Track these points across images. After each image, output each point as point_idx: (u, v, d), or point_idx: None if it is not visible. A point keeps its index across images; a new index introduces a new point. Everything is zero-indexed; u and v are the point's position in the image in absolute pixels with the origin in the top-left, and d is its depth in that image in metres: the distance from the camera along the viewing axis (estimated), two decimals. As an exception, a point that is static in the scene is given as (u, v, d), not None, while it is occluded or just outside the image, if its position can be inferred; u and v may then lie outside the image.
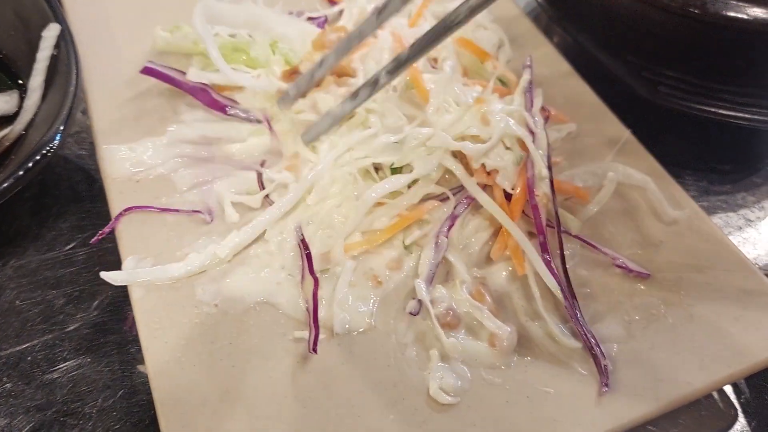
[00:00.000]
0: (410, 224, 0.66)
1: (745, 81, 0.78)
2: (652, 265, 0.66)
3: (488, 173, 0.66)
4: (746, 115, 0.78)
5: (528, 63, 0.75)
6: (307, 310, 0.59)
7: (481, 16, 0.87)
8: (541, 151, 0.67)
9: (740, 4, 0.73)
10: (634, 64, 0.83)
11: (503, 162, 0.65)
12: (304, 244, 0.62)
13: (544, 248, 0.63)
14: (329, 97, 0.71)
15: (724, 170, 0.86)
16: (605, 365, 0.57)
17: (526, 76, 0.73)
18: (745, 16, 0.72)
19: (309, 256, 0.61)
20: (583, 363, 0.58)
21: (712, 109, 0.79)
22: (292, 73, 0.73)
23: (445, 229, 0.65)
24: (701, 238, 0.68)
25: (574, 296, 0.61)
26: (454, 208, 0.66)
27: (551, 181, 0.66)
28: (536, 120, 0.69)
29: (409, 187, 0.67)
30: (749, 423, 0.63)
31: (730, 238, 0.75)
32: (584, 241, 0.66)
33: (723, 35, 0.75)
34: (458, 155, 0.67)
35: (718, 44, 0.77)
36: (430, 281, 0.62)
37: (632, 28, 0.82)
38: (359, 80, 0.73)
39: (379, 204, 0.66)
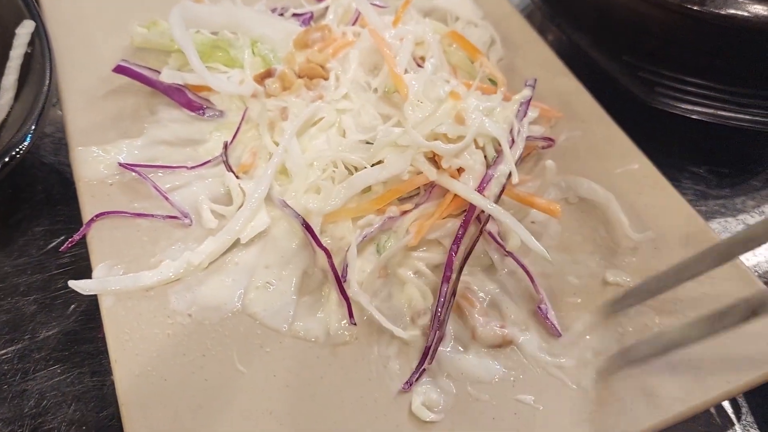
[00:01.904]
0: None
1: (745, 81, 0.76)
2: (647, 272, 0.63)
3: (456, 170, 0.64)
4: (746, 117, 0.76)
5: (531, 83, 0.72)
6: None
7: (472, 13, 0.84)
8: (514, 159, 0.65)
9: (740, 0, 0.70)
10: (631, 64, 0.81)
11: (471, 161, 0.63)
12: (300, 218, 0.61)
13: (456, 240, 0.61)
14: (300, 101, 0.68)
15: (723, 173, 0.84)
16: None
17: (526, 92, 0.71)
18: (745, 14, 0.70)
19: (309, 228, 0.60)
20: (574, 378, 0.55)
21: (711, 111, 0.76)
22: (265, 76, 0.71)
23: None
24: (698, 244, 0.65)
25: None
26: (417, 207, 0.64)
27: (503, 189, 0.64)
28: (522, 131, 0.67)
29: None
30: (747, 439, 0.60)
31: (729, 244, 0.73)
32: (518, 263, 0.62)
33: (722, 33, 0.73)
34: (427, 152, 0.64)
35: (717, 43, 0.74)
36: None
37: (629, 26, 0.80)
38: (331, 82, 0.71)
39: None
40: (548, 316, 0.59)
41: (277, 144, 0.66)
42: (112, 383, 0.58)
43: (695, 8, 0.72)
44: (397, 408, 0.53)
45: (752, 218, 0.80)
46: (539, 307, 0.59)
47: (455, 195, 0.62)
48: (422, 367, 0.54)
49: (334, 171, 0.64)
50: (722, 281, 0.62)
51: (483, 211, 0.62)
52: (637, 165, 0.72)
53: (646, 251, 0.65)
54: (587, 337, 0.58)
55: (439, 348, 0.56)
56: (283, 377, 0.54)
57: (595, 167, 0.72)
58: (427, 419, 0.52)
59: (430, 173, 0.62)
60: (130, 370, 0.52)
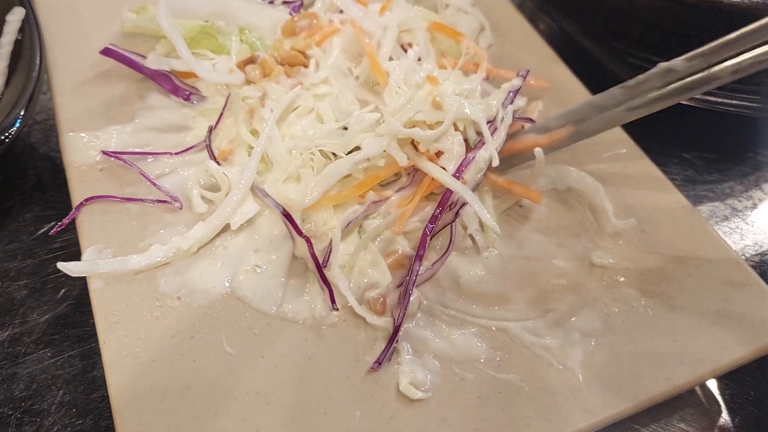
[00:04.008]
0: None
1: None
2: (633, 255, 0.64)
3: (435, 153, 0.64)
4: (734, 102, 0.76)
5: (523, 73, 0.73)
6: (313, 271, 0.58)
7: (462, 0, 0.84)
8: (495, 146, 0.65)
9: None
10: (619, 50, 0.81)
11: (450, 143, 0.63)
12: (280, 208, 0.61)
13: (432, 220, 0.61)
14: (279, 88, 0.69)
15: (711, 159, 0.84)
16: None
17: (516, 81, 0.71)
18: (732, -1, 0.70)
19: (289, 217, 0.60)
20: (560, 358, 0.56)
21: (699, 96, 0.76)
22: (247, 62, 0.71)
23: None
24: (685, 228, 0.66)
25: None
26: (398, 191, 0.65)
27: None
28: (506, 119, 0.68)
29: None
30: (733, 419, 0.61)
31: (717, 228, 0.73)
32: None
33: (710, 19, 0.73)
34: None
35: (705, 28, 0.74)
36: None
37: (617, 12, 0.80)
38: (311, 70, 0.71)
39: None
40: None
41: (256, 131, 0.67)
42: (102, 366, 0.58)
43: (683, -7, 0.72)
44: (384, 388, 0.53)
45: (740, 203, 0.80)
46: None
47: (434, 178, 0.63)
48: (392, 345, 0.55)
49: (312, 158, 0.64)
50: (708, 263, 0.63)
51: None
52: (625, 150, 0.72)
53: (633, 234, 0.65)
54: (573, 318, 0.59)
55: (426, 330, 0.57)
56: (271, 358, 0.54)
57: (583, 152, 0.72)
58: (416, 397, 0.52)
59: (401, 159, 0.62)
60: (118, 352, 0.53)
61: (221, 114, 0.69)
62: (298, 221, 0.60)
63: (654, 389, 0.54)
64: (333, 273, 0.58)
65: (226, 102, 0.69)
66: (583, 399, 0.53)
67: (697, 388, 0.62)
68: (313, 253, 0.58)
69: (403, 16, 0.74)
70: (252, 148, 0.65)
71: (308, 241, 0.58)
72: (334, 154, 0.64)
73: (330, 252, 0.59)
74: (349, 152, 0.63)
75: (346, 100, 0.68)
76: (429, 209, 0.63)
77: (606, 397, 0.54)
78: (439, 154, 0.64)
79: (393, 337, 0.55)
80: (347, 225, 0.61)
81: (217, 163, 0.65)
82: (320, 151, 0.64)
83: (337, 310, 0.57)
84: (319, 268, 0.58)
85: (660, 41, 0.78)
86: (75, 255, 0.59)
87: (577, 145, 0.72)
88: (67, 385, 0.59)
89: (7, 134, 0.61)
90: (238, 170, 0.64)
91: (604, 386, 0.54)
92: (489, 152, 0.63)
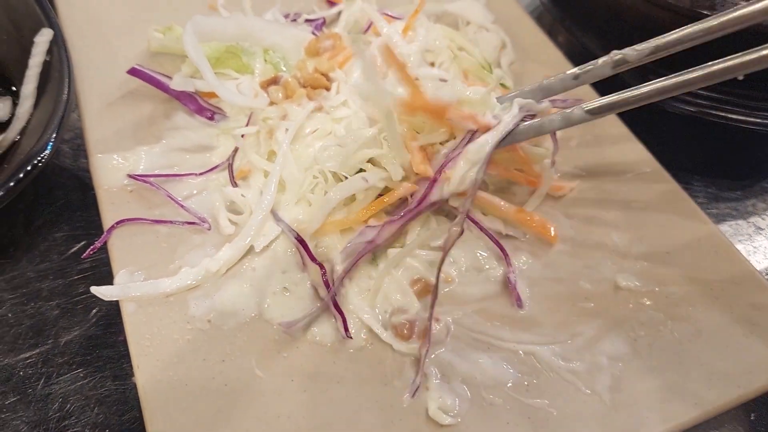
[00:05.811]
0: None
1: (755, 85, 0.76)
2: (658, 277, 0.64)
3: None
4: (758, 120, 0.76)
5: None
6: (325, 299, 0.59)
7: (482, 17, 0.85)
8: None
9: (750, 3, 0.70)
10: (640, 67, 0.80)
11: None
12: (294, 233, 0.61)
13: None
14: (300, 109, 0.69)
15: (734, 176, 0.84)
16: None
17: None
18: (756, 19, 0.70)
19: (303, 242, 0.60)
20: (587, 382, 0.56)
21: (722, 114, 0.76)
22: (270, 83, 0.72)
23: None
24: (709, 249, 0.66)
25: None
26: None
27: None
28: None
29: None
30: (759, 441, 0.61)
31: (740, 246, 0.73)
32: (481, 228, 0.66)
33: (730, 36, 0.73)
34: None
35: (725, 46, 0.74)
36: None
37: (638, 29, 0.80)
38: (332, 93, 0.72)
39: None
40: (516, 286, 0.62)
41: (274, 153, 0.67)
42: (134, 387, 0.59)
43: (705, 12, 0.72)
44: (412, 412, 0.54)
45: (763, 221, 0.80)
46: (508, 277, 0.62)
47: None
48: (419, 379, 0.55)
49: (323, 180, 0.64)
50: (734, 286, 0.63)
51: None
52: (649, 169, 0.72)
53: (657, 256, 0.66)
54: (600, 342, 0.59)
55: (455, 354, 0.57)
56: (300, 382, 0.55)
57: (607, 172, 0.72)
58: (445, 423, 0.53)
59: (396, 173, 0.63)
60: (152, 376, 0.54)
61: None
62: (310, 246, 0.61)
63: (682, 415, 0.54)
64: (353, 305, 0.59)
65: (248, 122, 0.70)
66: (611, 424, 0.54)
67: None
68: (326, 281, 0.58)
69: (430, 39, 0.74)
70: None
71: (322, 268, 0.59)
72: (346, 177, 0.64)
73: (342, 280, 0.59)
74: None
75: (358, 121, 0.68)
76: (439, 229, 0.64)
77: (633, 423, 0.54)
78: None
79: (421, 368, 0.55)
80: (349, 245, 0.62)
81: (236, 184, 0.66)
82: (334, 174, 0.64)
83: (351, 338, 0.57)
84: (333, 296, 0.58)
85: (680, 56, 0.78)
86: (105, 275, 0.60)
87: (601, 164, 0.73)
88: (100, 405, 0.60)
89: (38, 159, 0.62)
90: (256, 192, 0.65)
91: (632, 411, 0.54)
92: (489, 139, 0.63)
